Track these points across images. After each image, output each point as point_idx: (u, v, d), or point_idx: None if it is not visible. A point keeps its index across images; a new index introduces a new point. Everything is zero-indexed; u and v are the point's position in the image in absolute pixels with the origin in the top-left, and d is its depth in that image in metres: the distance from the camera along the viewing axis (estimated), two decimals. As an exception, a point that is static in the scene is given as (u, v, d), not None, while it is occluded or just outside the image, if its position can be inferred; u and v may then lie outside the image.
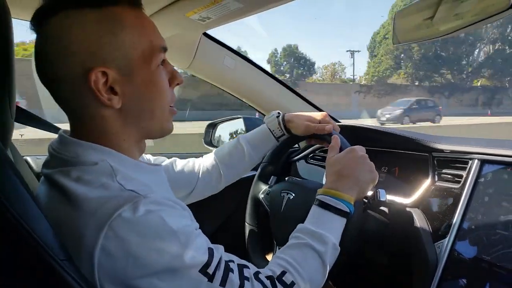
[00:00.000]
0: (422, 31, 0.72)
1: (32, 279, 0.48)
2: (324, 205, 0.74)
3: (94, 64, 0.55)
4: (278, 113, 1.00)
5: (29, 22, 0.58)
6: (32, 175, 0.91)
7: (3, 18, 0.60)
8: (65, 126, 0.67)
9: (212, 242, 0.61)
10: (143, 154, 0.80)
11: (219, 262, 0.58)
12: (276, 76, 1.39)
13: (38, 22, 0.57)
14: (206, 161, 0.99)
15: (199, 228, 0.64)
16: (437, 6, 0.63)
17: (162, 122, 0.65)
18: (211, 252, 0.57)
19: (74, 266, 0.49)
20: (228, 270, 0.58)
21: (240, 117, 1.56)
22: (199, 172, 0.98)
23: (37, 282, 0.48)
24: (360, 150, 0.80)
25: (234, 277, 0.58)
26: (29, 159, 1.31)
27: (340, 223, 0.73)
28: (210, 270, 0.56)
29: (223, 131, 1.71)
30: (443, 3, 0.62)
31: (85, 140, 0.60)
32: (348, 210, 0.74)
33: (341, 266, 0.79)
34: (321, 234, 0.70)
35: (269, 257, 1.08)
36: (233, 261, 0.61)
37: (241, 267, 0.61)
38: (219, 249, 0.60)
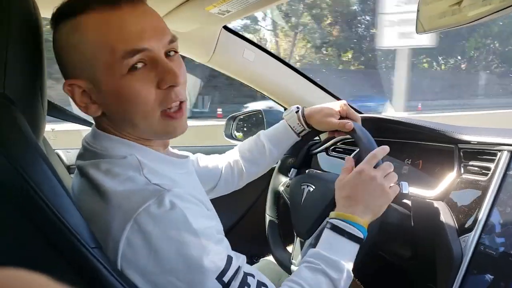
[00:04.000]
0: (449, 18, 0.69)
1: (65, 266, 0.50)
2: (337, 230, 0.71)
3: (66, 77, 0.60)
4: (297, 107, 0.98)
5: None
6: (63, 168, 0.94)
7: (32, 14, 0.62)
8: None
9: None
10: (170, 148, 0.81)
11: (236, 272, 0.57)
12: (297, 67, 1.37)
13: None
14: (229, 158, 1.00)
15: (221, 224, 0.65)
16: (464, -9, 0.61)
17: (151, 129, 0.61)
18: (229, 260, 0.57)
19: (103, 253, 0.52)
20: (244, 283, 0.57)
21: (260, 110, 1.55)
22: (222, 168, 0.99)
23: (69, 268, 0.51)
24: (369, 169, 0.74)
25: None
26: (60, 152, 1.35)
27: (354, 249, 0.70)
28: (226, 278, 0.55)
29: (244, 124, 1.71)
30: (470, -12, 0.60)
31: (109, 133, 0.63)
32: (362, 236, 0.71)
33: (364, 259, 0.78)
34: (335, 261, 0.67)
35: (289, 248, 1.08)
36: (253, 276, 0.60)
37: (259, 285, 0.60)
38: (239, 258, 0.60)
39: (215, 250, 0.55)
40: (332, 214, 0.74)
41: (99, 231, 0.54)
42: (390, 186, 0.75)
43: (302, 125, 0.97)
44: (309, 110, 0.96)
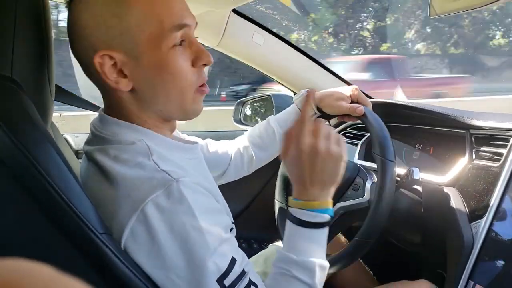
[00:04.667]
0: (461, 1, 0.67)
1: (74, 251, 0.51)
2: (300, 223, 0.62)
3: (99, 48, 0.56)
4: (307, 91, 0.97)
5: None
6: (72, 153, 0.94)
7: None
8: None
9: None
10: (180, 133, 0.81)
11: (239, 278, 0.55)
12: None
13: (67, 5, 0.59)
14: (238, 144, 1.00)
15: (230, 216, 0.65)
16: (480, -27, 0.59)
17: (182, 105, 0.62)
18: (232, 262, 0.55)
19: (112, 239, 0.52)
20: None
21: (269, 95, 1.54)
22: (232, 154, 0.98)
23: (78, 254, 0.51)
24: (307, 142, 0.62)
25: None
26: (68, 137, 1.36)
27: (321, 235, 0.63)
28: (227, 282, 0.54)
29: (252, 108, 1.71)
30: (487, -31, 0.58)
31: (116, 118, 0.62)
32: (327, 220, 0.63)
33: (374, 245, 0.79)
34: (304, 262, 0.61)
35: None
36: (256, 286, 0.58)
37: None
38: (243, 263, 0.58)
39: (219, 250, 0.54)
40: (291, 202, 0.65)
41: (104, 217, 0.54)
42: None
43: (313, 109, 0.96)
44: (320, 94, 0.95)
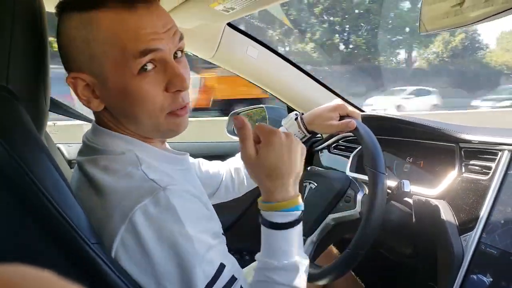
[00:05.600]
0: (451, 18, 0.69)
1: (66, 261, 0.51)
2: (273, 226, 0.62)
3: (71, 70, 0.59)
4: (296, 114, 0.98)
5: None
6: (65, 163, 0.95)
7: (36, 9, 0.62)
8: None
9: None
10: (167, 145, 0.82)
11: (229, 283, 0.56)
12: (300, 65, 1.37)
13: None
14: (230, 165, 1.00)
15: (219, 223, 0.65)
16: (467, -8, 0.61)
17: (155, 126, 0.61)
18: (221, 268, 0.56)
19: (104, 249, 0.52)
20: None
21: (262, 106, 1.55)
22: (223, 175, 0.98)
23: (70, 264, 0.51)
24: (262, 139, 0.62)
25: None
26: (61, 146, 1.36)
27: (296, 232, 0.63)
28: (217, 286, 0.55)
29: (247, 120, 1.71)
30: (473, -11, 0.60)
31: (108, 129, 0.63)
32: (297, 216, 0.63)
33: (364, 256, 0.79)
34: (284, 265, 0.61)
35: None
36: None
37: None
38: (232, 269, 0.58)
39: (207, 257, 0.55)
40: (261, 205, 0.64)
41: (94, 227, 0.54)
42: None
43: (303, 132, 0.96)
44: (308, 117, 0.95)
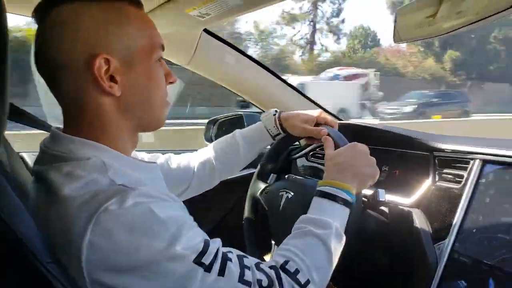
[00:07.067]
0: (425, 28, 0.70)
1: (19, 283, 0.47)
2: (325, 195, 0.72)
3: (99, 51, 0.57)
4: (276, 111, 0.98)
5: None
6: (27, 172, 0.90)
7: None
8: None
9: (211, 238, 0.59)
10: (137, 152, 0.80)
11: (216, 253, 0.56)
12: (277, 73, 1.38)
13: (44, 10, 0.58)
14: (200, 156, 0.99)
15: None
16: (440, 3, 0.62)
17: (159, 113, 0.67)
18: (207, 242, 0.56)
19: (61, 268, 0.49)
20: (226, 260, 0.56)
21: (241, 114, 1.55)
22: (194, 167, 0.97)
23: (26, 283, 0.48)
24: (362, 146, 0.79)
25: (233, 266, 0.57)
26: (24, 155, 1.30)
27: (343, 211, 0.71)
28: (206, 260, 0.54)
29: (224, 127, 1.70)
30: (445, 1, 0.61)
31: (78, 135, 0.60)
32: (350, 199, 0.71)
33: (340, 265, 0.78)
34: (322, 220, 0.67)
35: (267, 257, 1.08)
36: (231, 252, 0.59)
37: (241, 257, 0.60)
38: (216, 242, 0.59)
39: (188, 236, 0.54)
40: (320, 182, 0.75)
41: (59, 238, 0.52)
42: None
43: (278, 128, 0.97)
44: (285, 114, 0.97)
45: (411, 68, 24.54)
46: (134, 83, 0.61)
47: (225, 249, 0.60)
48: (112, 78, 0.59)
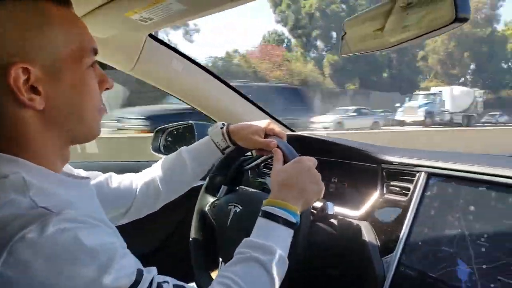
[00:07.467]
0: (373, 41, 0.70)
1: None
2: (268, 215, 0.69)
3: (15, 59, 0.50)
4: (223, 124, 0.95)
5: None
6: None
7: None
8: None
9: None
10: (74, 169, 0.73)
11: (150, 284, 0.52)
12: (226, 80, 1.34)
13: None
14: (144, 177, 0.92)
15: (133, 247, 0.57)
16: (387, 17, 0.62)
17: (91, 125, 0.62)
18: (140, 272, 0.51)
19: None
20: None
21: (191, 123, 1.50)
22: (137, 189, 0.90)
23: None
24: (308, 160, 0.77)
25: None
26: None
27: (287, 233, 0.69)
28: None
29: (173, 136, 1.64)
30: (392, 14, 0.61)
31: None
32: (294, 221, 0.69)
33: (292, 279, 0.76)
34: (265, 245, 0.65)
35: (214, 274, 1.03)
36: (167, 282, 0.55)
37: (177, 287, 0.56)
38: (151, 271, 0.55)
39: (119, 265, 0.49)
40: (264, 202, 0.73)
41: None
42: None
43: (226, 141, 0.93)
44: (233, 127, 0.94)
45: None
46: (60, 94, 0.56)
47: (161, 278, 0.55)
48: (34, 89, 0.52)
